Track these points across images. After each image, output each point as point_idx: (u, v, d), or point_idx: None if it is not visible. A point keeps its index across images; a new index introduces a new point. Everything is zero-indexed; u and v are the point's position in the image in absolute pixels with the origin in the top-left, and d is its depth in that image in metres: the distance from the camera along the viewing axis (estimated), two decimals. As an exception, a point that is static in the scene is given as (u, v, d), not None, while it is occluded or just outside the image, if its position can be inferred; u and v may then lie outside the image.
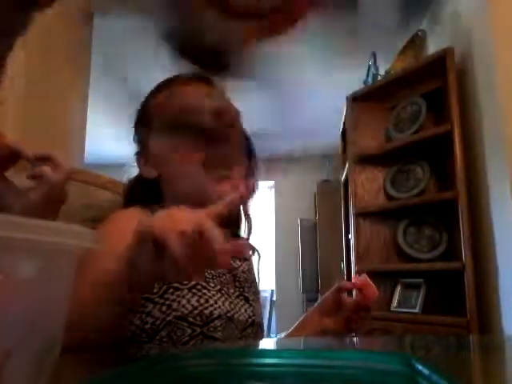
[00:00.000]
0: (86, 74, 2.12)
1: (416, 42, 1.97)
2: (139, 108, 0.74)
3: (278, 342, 0.64)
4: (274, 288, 4.71)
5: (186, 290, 0.59)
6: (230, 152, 0.66)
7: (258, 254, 0.77)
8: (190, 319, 0.57)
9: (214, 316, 0.59)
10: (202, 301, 0.59)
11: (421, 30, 2.01)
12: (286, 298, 4.41)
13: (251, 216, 0.77)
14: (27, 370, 0.24)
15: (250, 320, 0.67)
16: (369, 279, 0.76)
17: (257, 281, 0.76)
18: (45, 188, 0.53)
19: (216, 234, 0.38)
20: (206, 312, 0.58)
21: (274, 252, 4.91)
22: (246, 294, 0.69)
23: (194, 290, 0.59)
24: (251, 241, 0.77)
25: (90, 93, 2.17)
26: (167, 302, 0.57)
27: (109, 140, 3.85)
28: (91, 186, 0.82)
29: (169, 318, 0.56)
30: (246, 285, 0.70)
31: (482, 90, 1.52)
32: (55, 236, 0.22)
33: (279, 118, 3.76)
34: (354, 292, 0.80)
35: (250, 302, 0.69)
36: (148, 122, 0.70)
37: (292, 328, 0.81)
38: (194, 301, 0.58)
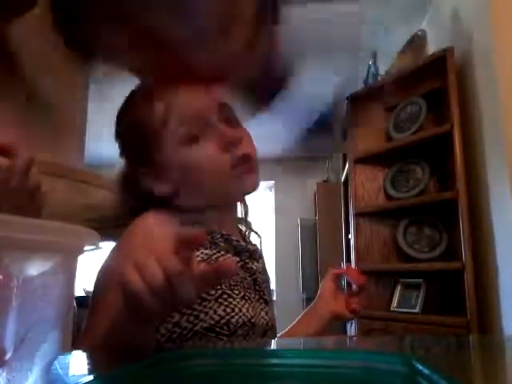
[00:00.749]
0: (87, 73, 2.11)
1: (416, 42, 1.97)
2: (125, 126, 0.68)
3: (278, 342, 0.64)
4: (274, 288, 4.71)
5: (212, 301, 0.58)
6: (248, 149, 0.65)
7: (259, 235, 0.77)
8: (218, 329, 0.57)
9: (240, 323, 0.59)
10: (228, 310, 0.58)
11: (421, 30, 2.01)
12: (286, 298, 4.41)
13: (246, 201, 0.77)
14: (29, 367, 0.24)
15: (269, 324, 0.67)
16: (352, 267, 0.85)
17: (269, 278, 0.76)
18: None
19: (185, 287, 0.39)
20: (233, 321, 0.58)
21: (273, 252, 4.91)
22: (265, 297, 0.69)
23: (220, 300, 0.59)
24: (252, 223, 0.77)
25: (90, 92, 2.17)
26: (194, 313, 0.57)
27: (109, 140, 3.85)
28: (91, 185, 0.82)
29: (196, 328, 0.56)
30: (264, 286, 0.70)
31: (482, 90, 1.52)
32: (55, 236, 0.22)
33: (279, 117, 3.76)
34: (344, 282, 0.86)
35: (268, 304, 0.69)
36: (150, 138, 0.64)
37: (295, 322, 0.83)
38: (220, 311, 0.58)
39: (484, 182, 1.50)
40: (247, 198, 0.75)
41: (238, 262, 0.65)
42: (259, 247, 0.75)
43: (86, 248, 0.29)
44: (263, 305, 0.67)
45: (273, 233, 4.96)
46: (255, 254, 0.70)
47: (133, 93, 0.69)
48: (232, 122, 0.67)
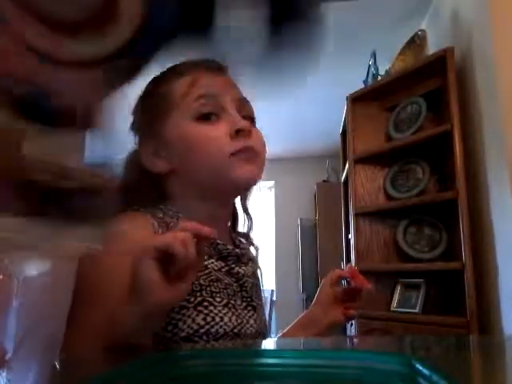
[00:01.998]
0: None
1: (416, 42, 1.97)
2: (147, 94, 0.69)
3: (277, 342, 0.64)
4: (274, 288, 4.71)
5: (191, 309, 0.56)
6: (255, 143, 0.65)
7: (256, 248, 0.76)
8: (196, 339, 0.55)
9: (221, 334, 0.57)
10: (208, 319, 0.57)
11: (421, 30, 2.01)
12: (286, 298, 4.41)
13: (251, 213, 0.76)
14: (30, 367, 0.24)
15: (258, 331, 0.65)
16: (354, 268, 0.80)
17: (261, 282, 0.75)
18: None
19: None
20: (213, 331, 0.56)
21: (274, 252, 4.91)
22: (254, 303, 0.67)
23: (199, 308, 0.57)
24: (252, 236, 0.76)
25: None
26: (173, 322, 0.55)
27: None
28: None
29: (175, 338, 0.54)
30: (253, 291, 0.68)
31: (482, 90, 1.52)
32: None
33: (279, 117, 3.76)
34: (344, 282, 0.83)
35: (257, 310, 0.67)
36: (165, 109, 0.65)
37: (290, 327, 0.81)
38: (199, 319, 0.56)
39: (484, 182, 1.50)
40: (251, 209, 0.75)
41: (223, 267, 0.63)
42: (252, 253, 0.74)
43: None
44: (251, 312, 0.65)
45: (273, 233, 4.96)
46: (243, 258, 0.68)
47: (165, 69, 0.69)
48: (247, 119, 0.67)
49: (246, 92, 0.70)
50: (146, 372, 0.35)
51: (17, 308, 0.27)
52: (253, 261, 0.72)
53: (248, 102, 0.69)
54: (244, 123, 0.63)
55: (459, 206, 1.55)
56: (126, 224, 0.60)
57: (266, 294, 4.56)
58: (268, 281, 4.78)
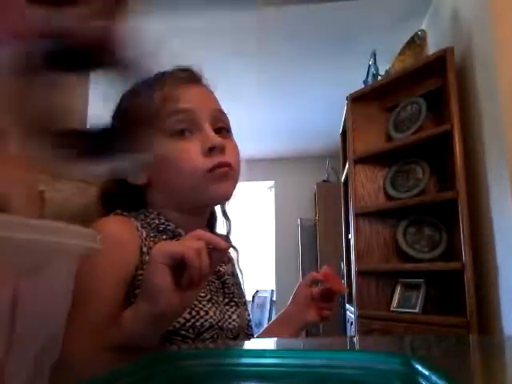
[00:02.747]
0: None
1: (416, 42, 1.97)
2: (121, 108, 0.66)
3: (277, 342, 0.64)
4: (274, 288, 4.71)
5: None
6: (230, 158, 0.65)
7: (236, 250, 0.76)
8: (183, 332, 0.57)
9: (206, 327, 0.59)
10: (193, 313, 0.58)
11: (421, 30, 2.01)
12: (286, 298, 4.39)
13: (229, 216, 0.77)
14: (27, 369, 0.24)
15: (240, 327, 0.67)
16: (331, 269, 0.80)
17: (240, 281, 0.76)
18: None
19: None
20: (198, 324, 0.58)
21: (273, 252, 4.91)
22: (236, 299, 0.68)
23: None
24: (231, 238, 0.77)
25: (90, 91, 2.17)
26: None
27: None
28: (91, 185, 0.82)
29: (171, 328, 0.56)
30: (233, 288, 0.69)
31: (482, 90, 1.52)
32: (55, 236, 0.22)
33: (279, 117, 3.76)
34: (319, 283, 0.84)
35: (239, 306, 0.69)
36: (141, 123, 0.65)
37: (267, 326, 0.82)
38: (185, 314, 0.57)
39: (484, 182, 1.50)
40: (229, 212, 0.75)
41: None
42: (230, 254, 0.75)
43: (85, 248, 0.29)
44: (234, 307, 0.67)
45: (273, 233, 4.96)
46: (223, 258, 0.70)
47: (138, 82, 0.69)
48: (222, 131, 0.67)
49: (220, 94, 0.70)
50: (146, 372, 0.35)
51: (17, 308, 0.27)
52: (231, 261, 0.74)
53: (223, 112, 0.69)
54: (216, 140, 0.63)
55: (459, 206, 1.55)
56: (110, 225, 0.61)
57: (266, 294, 4.57)
58: (268, 281, 4.78)
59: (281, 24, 2.40)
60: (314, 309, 0.77)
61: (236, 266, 0.76)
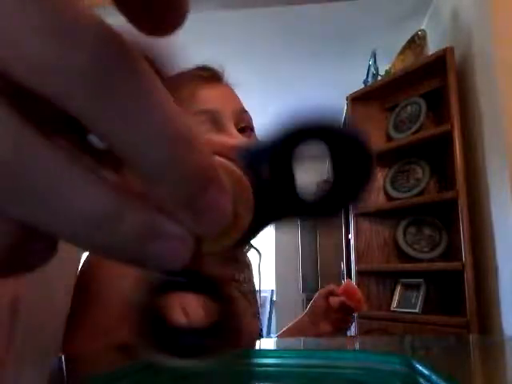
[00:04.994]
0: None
1: (416, 42, 1.97)
2: None
3: (277, 342, 0.64)
4: (274, 288, 4.71)
5: None
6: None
7: (259, 253, 0.76)
8: None
9: None
10: None
11: (421, 30, 2.01)
12: (286, 298, 4.41)
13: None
14: (29, 369, 0.24)
15: (255, 332, 0.66)
16: (352, 284, 0.80)
17: (256, 288, 0.75)
18: None
19: None
20: None
21: (274, 252, 4.91)
22: (253, 309, 0.68)
23: None
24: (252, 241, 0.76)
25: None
26: None
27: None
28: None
29: None
30: (250, 297, 0.68)
31: (482, 90, 1.52)
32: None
33: (279, 117, 3.76)
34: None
35: (254, 315, 0.68)
36: None
37: (280, 333, 0.82)
38: None
39: (484, 182, 1.50)
40: None
41: None
42: (248, 259, 0.74)
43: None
44: (250, 317, 0.66)
45: (273, 233, 4.96)
46: (240, 264, 0.69)
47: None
48: (246, 130, 0.67)
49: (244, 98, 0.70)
50: (146, 372, 0.35)
51: (17, 308, 0.27)
52: (249, 266, 0.73)
53: (246, 111, 0.69)
54: (236, 141, 0.62)
55: (459, 206, 1.55)
56: None
57: (266, 294, 4.56)
58: (268, 281, 4.78)
59: (280, 24, 2.40)
60: (329, 320, 0.77)
61: (255, 270, 0.75)
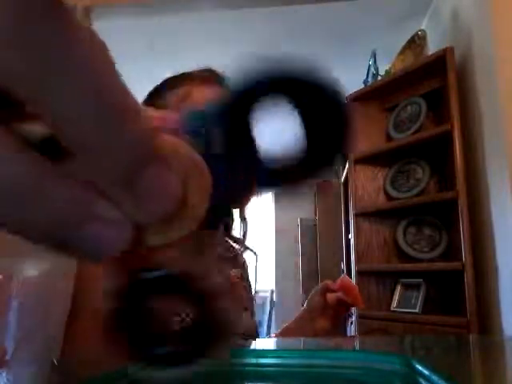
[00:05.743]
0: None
1: (416, 42, 1.97)
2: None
3: (277, 342, 0.64)
4: (273, 288, 4.71)
5: None
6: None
7: (255, 254, 0.76)
8: None
9: None
10: None
11: (421, 30, 2.01)
12: (286, 298, 4.41)
13: (247, 219, 0.76)
14: (29, 369, 0.24)
15: (248, 331, 0.67)
16: (348, 279, 0.79)
17: (251, 284, 0.75)
18: None
19: None
20: None
21: (273, 252, 4.91)
22: (245, 303, 0.68)
23: None
24: (247, 242, 0.76)
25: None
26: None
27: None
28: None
29: None
30: (243, 292, 0.69)
31: (482, 90, 1.52)
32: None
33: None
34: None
35: (247, 311, 0.69)
36: None
37: (278, 332, 0.82)
38: None
39: (484, 182, 1.50)
40: (247, 215, 0.75)
41: None
42: (244, 258, 0.74)
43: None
44: (243, 312, 0.67)
45: (273, 233, 4.96)
46: (235, 262, 0.70)
47: (163, 80, 0.71)
48: None
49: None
50: (147, 372, 0.35)
51: (17, 308, 0.27)
52: (244, 265, 0.73)
53: None
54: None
55: (459, 206, 1.55)
56: None
57: (266, 294, 4.56)
58: (268, 281, 4.78)
59: (280, 24, 2.39)
60: (326, 316, 0.77)
61: (250, 269, 0.75)
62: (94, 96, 0.10)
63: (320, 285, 0.81)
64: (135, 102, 0.11)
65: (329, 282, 0.80)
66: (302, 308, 0.81)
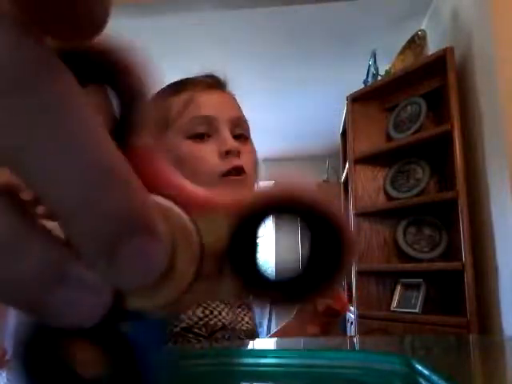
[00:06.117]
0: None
1: (416, 42, 1.97)
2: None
3: (277, 342, 0.64)
4: (273, 288, 4.71)
5: None
6: (244, 162, 0.66)
7: None
8: (196, 330, 0.58)
9: (219, 326, 0.60)
10: (206, 312, 0.60)
11: (421, 30, 2.01)
12: (285, 298, 4.40)
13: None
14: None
15: (252, 331, 0.67)
16: (337, 289, 0.82)
17: None
18: None
19: None
20: (211, 323, 0.59)
21: (273, 252, 4.90)
22: (248, 303, 0.69)
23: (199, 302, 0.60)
24: None
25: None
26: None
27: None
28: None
29: (176, 330, 0.57)
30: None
31: (482, 90, 1.52)
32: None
33: (279, 117, 3.76)
34: None
35: (251, 310, 0.70)
36: (161, 126, 0.68)
37: (269, 336, 0.83)
38: (199, 312, 0.59)
39: (484, 182, 1.50)
40: None
41: None
42: None
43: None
44: (246, 310, 0.68)
45: (273, 233, 4.96)
46: None
47: (166, 85, 0.72)
48: (241, 137, 0.69)
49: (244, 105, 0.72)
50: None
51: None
52: None
53: (243, 119, 0.71)
54: (232, 144, 0.65)
55: (459, 206, 1.55)
56: None
57: (266, 294, 4.56)
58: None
59: (280, 24, 2.39)
60: (316, 323, 0.78)
61: None
62: (76, 158, 0.09)
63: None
64: (125, 170, 0.10)
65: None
66: (290, 317, 0.82)
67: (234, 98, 0.73)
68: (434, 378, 0.28)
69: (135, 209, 0.10)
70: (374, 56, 2.19)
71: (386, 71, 2.11)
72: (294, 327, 0.79)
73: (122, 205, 0.10)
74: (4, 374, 0.36)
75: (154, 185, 0.13)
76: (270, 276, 0.14)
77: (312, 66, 2.88)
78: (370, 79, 2.19)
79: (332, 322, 0.78)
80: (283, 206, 0.14)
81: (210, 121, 0.65)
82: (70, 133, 0.09)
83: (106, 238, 0.10)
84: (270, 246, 4.99)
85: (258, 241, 0.14)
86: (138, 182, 0.11)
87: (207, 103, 0.67)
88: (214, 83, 0.70)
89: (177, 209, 0.13)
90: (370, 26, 2.39)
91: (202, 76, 0.71)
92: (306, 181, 0.14)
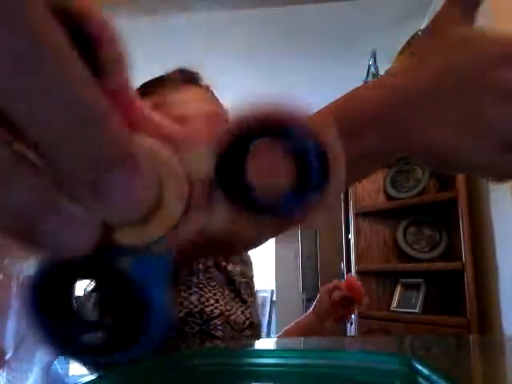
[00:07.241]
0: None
1: (416, 42, 1.97)
2: None
3: (277, 342, 0.64)
4: (273, 288, 4.71)
5: (187, 290, 0.60)
6: None
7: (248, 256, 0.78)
8: (192, 319, 0.59)
9: (215, 314, 0.60)
10: (202, 299, 0.60)
11: (421, 30, 2.01)
12: (286, 298, 4.41)
13: None
14: (27, 368, 0.24)
15: (247, 322, 0.67)
16: (354, 279, 0.84)
17: (254, 282, 0.76)
18: None
19: None
20: (207, 310, 0.60)
21: (273, 252, 4.91)
22: (243, 296, 0.69)
23: (195, 289, 0.60)
24: None
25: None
26: (179, 300, 0.58)
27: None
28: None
29: (181, 315, 0.58)
30: (241, 286, 0.70)
31: (482, 90, 1.52)
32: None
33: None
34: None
35: (248, 303, 0.69)
36: None
37: (286, 330, 0.84)
38: (193, 299, 0.59)
39: (484, 182, 1.50)
40: None
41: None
42: (247, 256, 0.76)
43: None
44: (240, 303, 0.68)
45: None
46: (233, 258, 0.71)
47: (136, 89, 0.70)
48: None
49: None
50: (147, 372, 0.35)
51: (17, 308, 0.27)
52: (244, 262, 0.74)
53: (220, 115, 0.69)
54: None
55: (459, 206, 1.55)
56: None
57: (266, 294, 4.57)
58: (268, 281, 4.78)
59: (280, 24, 2.39)
60: (333, 315, 0.81)
61: (253, 267, 0.77)
62: (62, 95, 0.10)
63: (327, 284, 0.84)
64: (105, 105, 0.11)
65: (337, 282, 0.84)
66: (309, 310, 0.83)
67: (211, 92, 0.70)
68: (434, 377, 0.28)
69: (116, 141, 0.11)
70: (374, 56, 2.19)
71: (386, 71, 2.10)
72: (313, 321, 0.81)
73: (103, 137, 0.11)
74: (4, 374, 0.36)
75: (134, 123, 0.13)
76: (260, 196, 0.15)
77: (312, 66, 2.88)
78: (370, 79, 2.19)
79: (348, 311, 0.80)
80: (260, 128, 0.15)
81: (184, 120, 0.63)
82: (50, 69, 0.10)
83: (89, 167, 0.11)
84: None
85: (244, 165, 0.14)
86: (117, 118, 0.11)
87: (182, 101, 0.64)
88: (185, 79, 0.68)
89: (160, 145, 0.14)
90: (370, 26, 2.39)
91: (173, 72, 0.68)
92: (275, 102, 0.15)
